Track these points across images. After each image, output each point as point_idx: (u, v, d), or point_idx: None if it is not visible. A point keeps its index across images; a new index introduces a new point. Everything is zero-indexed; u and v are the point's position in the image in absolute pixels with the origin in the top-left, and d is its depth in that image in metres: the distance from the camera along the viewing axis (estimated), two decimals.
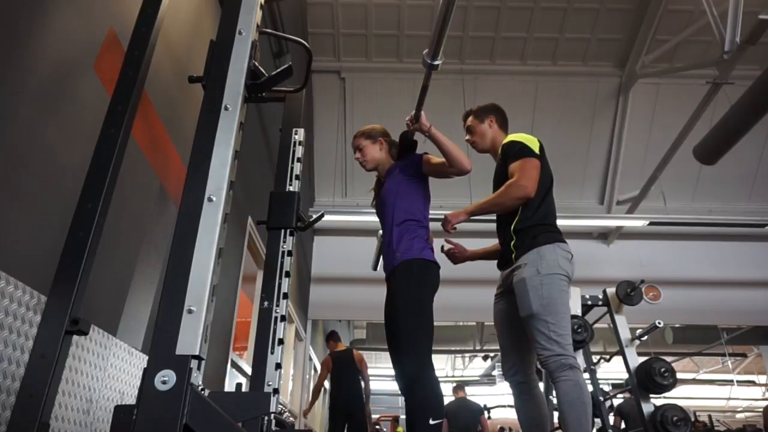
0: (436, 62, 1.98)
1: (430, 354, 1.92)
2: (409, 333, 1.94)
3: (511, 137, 2.28)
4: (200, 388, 1.02)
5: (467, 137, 2.48)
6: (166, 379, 0.95)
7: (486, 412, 6.67)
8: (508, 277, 2.18)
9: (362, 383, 5.30)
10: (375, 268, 6.16)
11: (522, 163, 2.14)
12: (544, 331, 1.96)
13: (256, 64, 1.38)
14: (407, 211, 2.15)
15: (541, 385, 3.19)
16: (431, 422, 1.74)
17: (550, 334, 1.94)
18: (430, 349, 1.94)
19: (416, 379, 1.86)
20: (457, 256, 2.46)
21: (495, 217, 2.36)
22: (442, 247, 2.41)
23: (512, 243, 2.16)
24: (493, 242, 2.44)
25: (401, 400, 15.33)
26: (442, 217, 2.14)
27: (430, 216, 2.22)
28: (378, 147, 2.35)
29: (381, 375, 14.56)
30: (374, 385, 6.58)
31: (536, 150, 2.19)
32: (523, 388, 2.16)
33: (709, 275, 8.01)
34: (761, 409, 6.98)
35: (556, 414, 2.12)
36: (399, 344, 1.95)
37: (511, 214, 2.19)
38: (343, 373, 5.24)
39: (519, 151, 2.18)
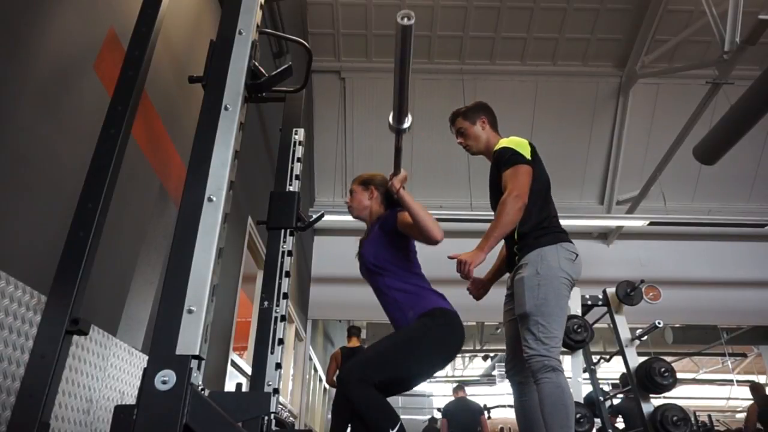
0: (405, 126, 1.76)
1: (374, 380, 1.71)
2: (383, 350, 1.81)
3: (503, 143, 2.23)
4: (200, 388, 1.02)
5: (459, 140, 2.40)
6: (166, 379, 0.95)
7: (486, 412, 6.67)
8: (512, 278, 2.18)
9: None
10: None
11: (513, 171, 2.11)
12: (533, 331, 1.97)
13: (256, 64, 1.38)
14: (397, 274, 1.99)
15: None
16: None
17: (538, 335, 1.95)
18: (381, 379, 1.72)
19: (351, 386, 1.69)
20: (480, 292, 2.38)
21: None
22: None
23: (515, 246, 2.17)
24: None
25: (401, 400, 15.33)
26: (457, 260, 1.94)
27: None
28: (368, 195, 2.20)
29: None
30: None
31: (527, 155, 2.16)
32: (522, 388, 2.18)
33: (709, 275, 8.00)
34: None
35: None
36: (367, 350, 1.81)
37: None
38: None
39: (510, 157, 2.15)
